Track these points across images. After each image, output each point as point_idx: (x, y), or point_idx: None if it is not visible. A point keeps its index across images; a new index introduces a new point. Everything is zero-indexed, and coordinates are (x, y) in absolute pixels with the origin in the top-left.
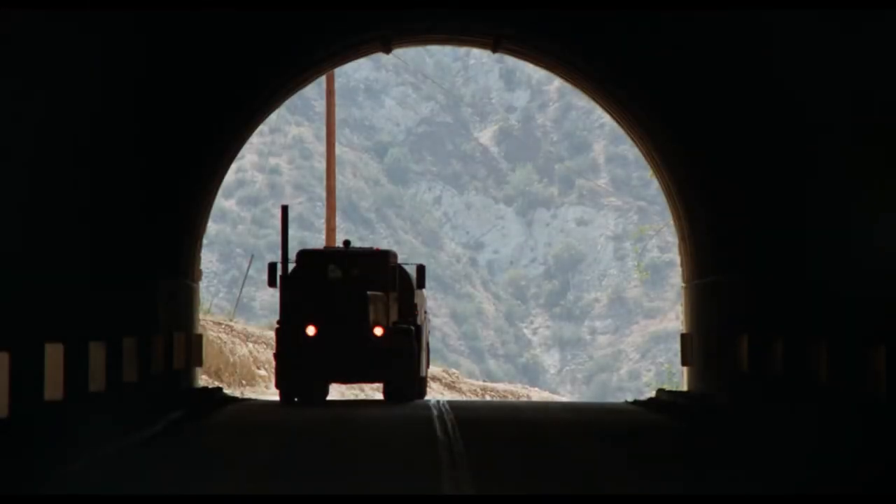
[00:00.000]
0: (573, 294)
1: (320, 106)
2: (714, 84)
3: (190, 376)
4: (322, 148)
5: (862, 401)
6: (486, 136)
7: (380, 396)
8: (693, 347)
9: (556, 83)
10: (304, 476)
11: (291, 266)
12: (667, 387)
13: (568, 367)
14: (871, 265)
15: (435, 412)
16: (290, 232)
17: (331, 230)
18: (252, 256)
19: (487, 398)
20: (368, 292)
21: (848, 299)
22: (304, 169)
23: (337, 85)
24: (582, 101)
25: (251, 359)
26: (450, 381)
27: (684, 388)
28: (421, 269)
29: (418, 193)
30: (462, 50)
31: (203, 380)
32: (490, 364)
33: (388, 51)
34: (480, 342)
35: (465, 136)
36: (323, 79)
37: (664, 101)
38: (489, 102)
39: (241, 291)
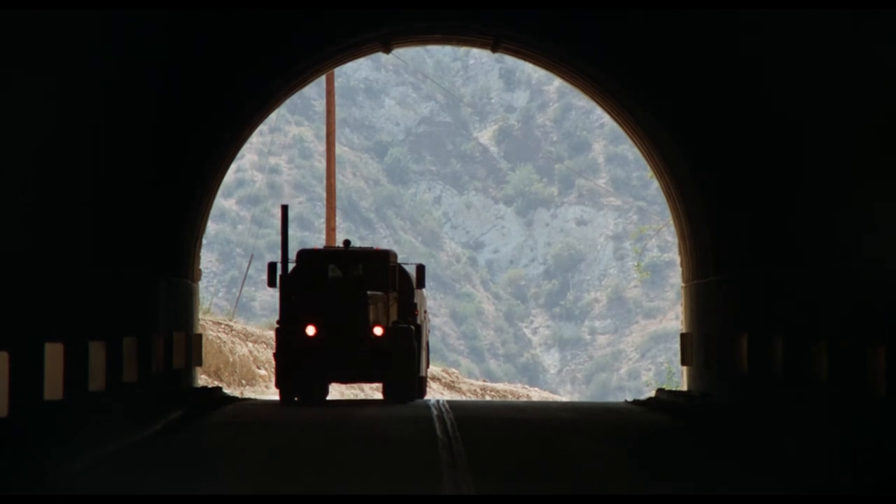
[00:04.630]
0: (573, 294)
1: (320, 106)
2: (714, 84)
3: (189, 376)
4: (322, 148)
5: (862, 401)
6: (485, 135)
7: (380, 396)
8: (693, 347)
9: (556, 83)
10: (304, 476)
11: (291, 266)
12: (667, 386)
13: (568, 367)
14: (872, 265)
15: (435, 412)
16: (290, 232)
17: (331, 230)
18: (252, 256)
19: (487, 398)
20: (368, 292)
21: (848, 299)
22: (304, 169)
23: (337, 85)
24: (582, 101)
25: (251, 358)
26: (449, 381)
27: (684, 387)
28: (421, 269)
29: (418, 193)
30: (462, 50)
31: (203, 379)
32: (490, 364)
33: (388, 51)
34: (480, 342)
35: (464, 135)
36: (323, 78)
37: (664, 100)
38: (489, 102)
39: (240, 291)
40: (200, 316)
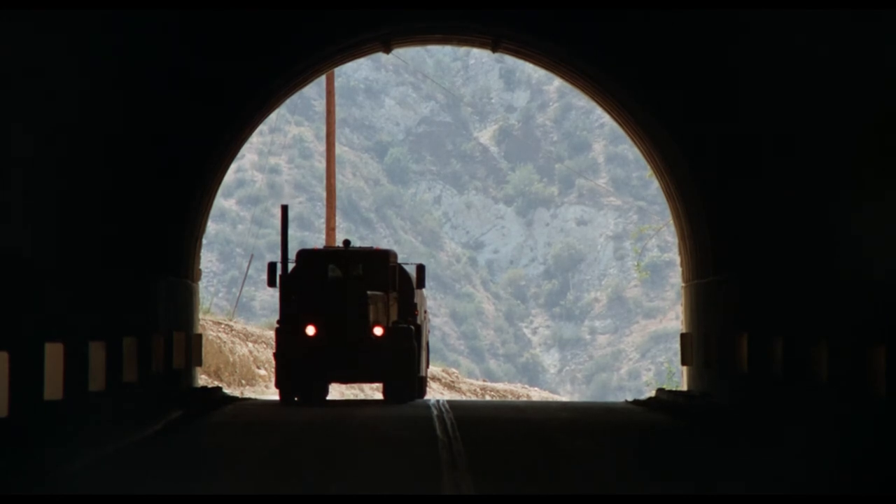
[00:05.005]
0: (573, 294)
1: (320, 106)
2: (714, 84)
3: (189, 376)
4: (322, 148)
5: (862, 401)
6: (485, 135)
7: (380, 396)
8: (693, 347)
9: (556, 83)
10: (304, 476)
11: (291, 266)
12: (667, 386)
13: (568, 367)
14: (872, 265)
15: (435, 412)
16: (290, 232)
17: (331, 230)
18: (252, 256)
19: (487, 398)
20: (368, 292)
21: (848, 299)
22: (304, 169)
23: (337, 85)
24: (582, 101)
25: (251, 358)
26: (449, 381)
27: (684, 387)
28: (421, 269)
29: (418, 193)
30: (462, 50)
31: (203, 379)
32: (490, 364)
33: (388, 50)
34: (480, 342)
35: (464, 135)
36: (323, 78)
37: (664, 100)
38: (489, 102)
39: (240, 291)
40: (200, 316)
